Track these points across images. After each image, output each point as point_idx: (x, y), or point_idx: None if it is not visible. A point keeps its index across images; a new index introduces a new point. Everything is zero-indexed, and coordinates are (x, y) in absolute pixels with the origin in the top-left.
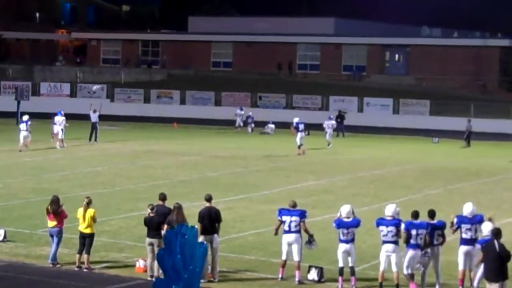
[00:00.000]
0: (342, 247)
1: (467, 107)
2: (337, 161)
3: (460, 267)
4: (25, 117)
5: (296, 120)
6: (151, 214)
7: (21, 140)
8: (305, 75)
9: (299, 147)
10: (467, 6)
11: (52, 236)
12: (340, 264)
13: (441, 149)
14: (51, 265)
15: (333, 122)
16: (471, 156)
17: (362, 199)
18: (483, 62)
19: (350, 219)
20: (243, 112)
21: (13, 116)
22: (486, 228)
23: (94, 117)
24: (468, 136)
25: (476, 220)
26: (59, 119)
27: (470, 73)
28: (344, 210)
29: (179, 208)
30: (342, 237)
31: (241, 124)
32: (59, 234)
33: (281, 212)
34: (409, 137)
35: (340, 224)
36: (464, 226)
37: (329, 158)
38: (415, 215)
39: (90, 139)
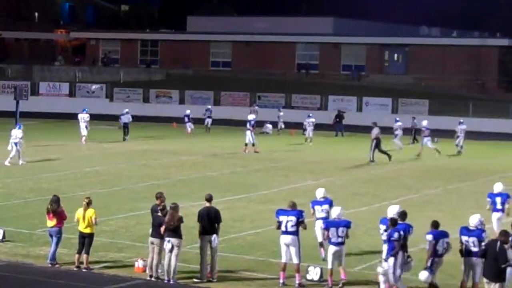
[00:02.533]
0: (332, 249)
1: (465, 107)
2: (336, 161)
3: (462, 277)
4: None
5: (250, 117)
6: (160, 214)
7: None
8: (304, 74)
9: (246, 144)
10: (466, 5)
11: (51, 235)
12: (330, 266)
13: (440, 149)
14: (50, 265)
15: (313, 119)
16: (470, 156)
17: (361, 198)
18: (481, 61)
19: (341, 219)
20: (282, 113)
21: (12, 116)
22: (334, 212)
23: (125, 118)
24: (414, 133)
25: (474, 233)
26: (83, 116)
27: (468, 73)
28: (335, 212)
29: (173, 208)
30: (332, 239)
31: (282, 126)
32: (59, 234)
33: (278, 212)
34: (408, 137)
35: (329, 224)
36: (463, 238)
37: (328, 157)
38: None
39: (124, 139)
